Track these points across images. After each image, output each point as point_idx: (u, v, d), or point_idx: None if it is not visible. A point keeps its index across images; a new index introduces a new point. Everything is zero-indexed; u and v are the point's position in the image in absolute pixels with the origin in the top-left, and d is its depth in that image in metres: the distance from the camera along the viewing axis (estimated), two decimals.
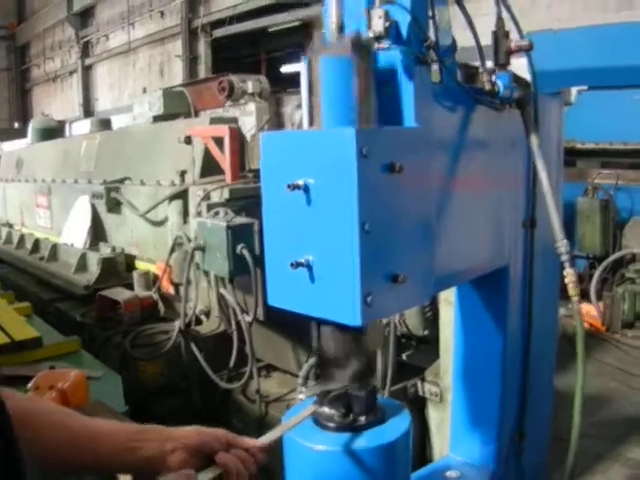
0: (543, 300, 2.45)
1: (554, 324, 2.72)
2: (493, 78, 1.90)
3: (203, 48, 20.17)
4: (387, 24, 1.53)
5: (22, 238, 7.08)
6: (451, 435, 2.64)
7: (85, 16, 25.61)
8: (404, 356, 3.44)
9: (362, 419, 1.75)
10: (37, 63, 29.60)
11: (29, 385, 2.57)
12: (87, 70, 26.23)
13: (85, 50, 25.98)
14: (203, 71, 20.05)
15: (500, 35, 1.95)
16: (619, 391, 3.18)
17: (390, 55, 1.61)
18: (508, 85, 1.92)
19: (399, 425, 1.78)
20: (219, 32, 19.12)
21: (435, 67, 1.72)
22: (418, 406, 3.37)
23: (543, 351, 2.41)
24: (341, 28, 1.61)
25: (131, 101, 16.52)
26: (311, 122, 1.65)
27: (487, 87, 1.85)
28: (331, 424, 1.74)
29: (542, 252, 2.34)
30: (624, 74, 8.34)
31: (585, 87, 9.28)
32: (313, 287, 1.59)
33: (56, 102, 28.45)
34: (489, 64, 1.99)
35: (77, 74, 26.49)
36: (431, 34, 1.70)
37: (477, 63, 1.97)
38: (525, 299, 2.36)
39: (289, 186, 1.54)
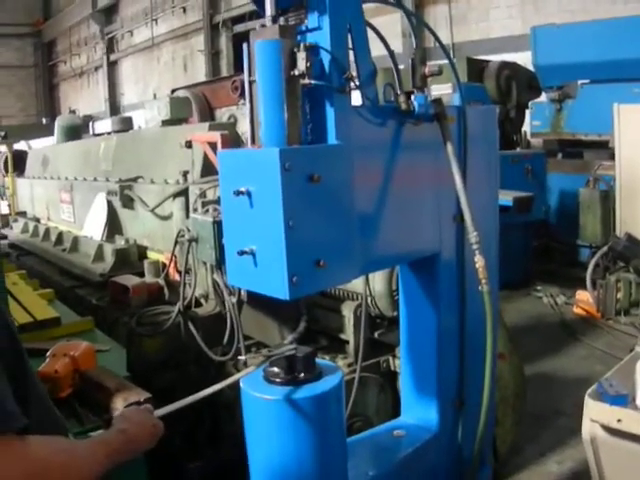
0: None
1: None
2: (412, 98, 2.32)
3: (225, 43, 20.54)
4: (308, 64, 1.97)
5: (47, 231, 7.59)
6: (402, 401, 3.07)
7: (109, 13, 26.13)
8: (376, 334, 3.85)
9: (302, 376, 2.20)
10: (64, 59, 30.20)
11: (47, 353, 3.05)
12: (112, 65, 26.74)
13: (110, 46, 26.49)
14: (225, 66, 20.44)
15: (417, 61, 2.36)
16: (603, 374, 3.53)
17: (315, 88, 2.05)
18: (423, 104, 2.34)
19: (332, 381, 2.23)
20: (240, 27, 19.45)
21: (357, 93, 2.16)
22: (390, 379, 3.77)
23: (479, 330, 2.65)
24: (275, 19, 2.06)
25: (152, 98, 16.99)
26: (253, 140, 2.10)
27: (403, 107, 2.28)
28: (277, 380, 2.20)
29: None
30: (625, 67, 8.57)
31: (587, 80, 9.55)
32: (256, 270, 2.06)
33: (83, 97, 29.05)
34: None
35: (102, 69, 27.06)
36: (352, 66, 2.13)
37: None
38: (458, 282, 2.78)
39: (235, 192, 2.00)
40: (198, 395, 2.15)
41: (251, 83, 2.15)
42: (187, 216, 4.48)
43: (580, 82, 9.58)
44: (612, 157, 7.74)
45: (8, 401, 1.40)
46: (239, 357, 2.74)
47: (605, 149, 8.63)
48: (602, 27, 8.96)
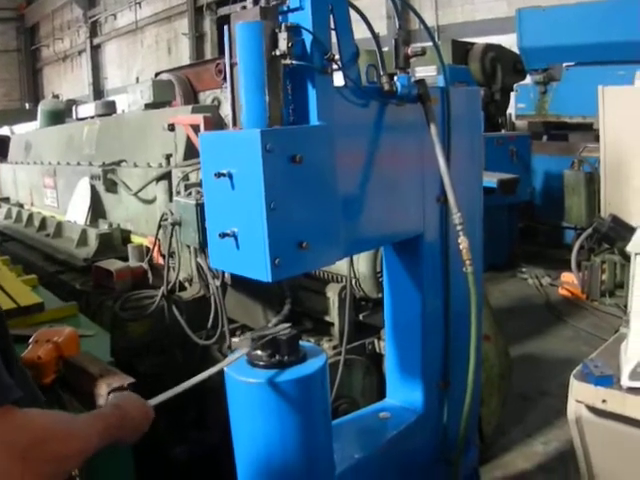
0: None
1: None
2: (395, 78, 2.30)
3: (209, 26, 20.41)
4: (290, 44, 1.94)
5: (30, 217, 7.49)
6: (387, 382, 3.07)
7: None
8: (361, 316, 3.85)
9: (285, 359, 2.19)
10: (47, 43, 29.92)
11: (30, 340, 3.02)
12: (96, 49, 26.54)
13: (93, 30, 26.30)
14: (209, 49, 20.34)
15: (399, 42, 2.33)
16: (588, 355, 3.58)
17: (296, 68, 2.02)
18: (406, 85, 2.32)
19: (315, 364, 2.22)
20: (224, 10, 19.32)
21: (339, 74, 2.14)
22: (376, 362, 3.78)
23: (464, 311, 2.65)
24: (256, 1, 2.03)
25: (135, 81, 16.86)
26: (235, 123, 2.07)
27: (386, 87, 2.26)
28: (261, 363, 2.19)
29: None
30: (610, 50, 8.58)
31: (572, 63, 9.55)
32: (238, 252, 2.04)
33: (67, 81, 28.82)
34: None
35: (86, 53, 26.83)
36: (334, 46, 2.11)
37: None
38: (442, 263, 2.78)
39: (216, 174, 1.98)
40: (189, 382, 2.15)
41: (232, 66, 2.13)
42: (170, 199, 4.45)
43: (565, 64, 9.60)
44: (597, 139, 7.73)
45: (4, 374, 1.42)
46: (233, 339, 2.73)
47: (590, 131, 8.65)
48: (587, 10, 8.97)
